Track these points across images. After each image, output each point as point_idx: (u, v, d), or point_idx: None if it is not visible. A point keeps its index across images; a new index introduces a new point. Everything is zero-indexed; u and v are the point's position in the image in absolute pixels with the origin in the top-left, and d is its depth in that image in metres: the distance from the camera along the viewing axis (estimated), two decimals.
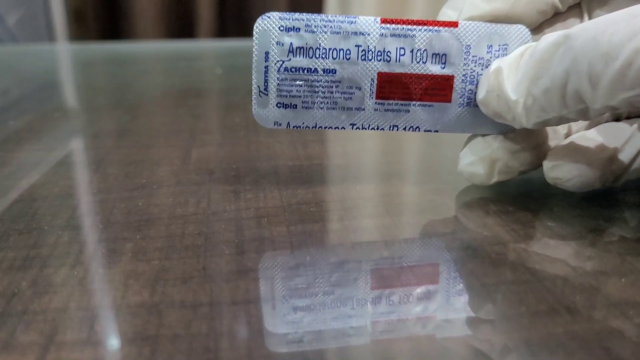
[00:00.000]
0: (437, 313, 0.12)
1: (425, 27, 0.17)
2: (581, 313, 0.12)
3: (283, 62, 0.17)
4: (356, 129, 0.18)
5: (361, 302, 0.13)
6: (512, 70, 0.16)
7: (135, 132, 0.27)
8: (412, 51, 0.17)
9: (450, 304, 0.13)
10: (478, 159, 0.18)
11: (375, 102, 0.18)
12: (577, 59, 0.14)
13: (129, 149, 0.24)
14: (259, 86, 0.18)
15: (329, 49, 0.17)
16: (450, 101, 0.18)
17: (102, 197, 0.19)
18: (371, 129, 0.18)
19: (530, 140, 0.18)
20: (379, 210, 0.18)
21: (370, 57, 0.17)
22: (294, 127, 0.18)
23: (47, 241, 0.16)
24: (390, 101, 0.18)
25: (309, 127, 0.18)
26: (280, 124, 0.18)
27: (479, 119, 0.18)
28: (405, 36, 0.17)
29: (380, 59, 0.17)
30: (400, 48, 0.17)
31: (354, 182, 0.20)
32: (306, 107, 0.18)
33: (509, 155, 0.18)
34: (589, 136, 0.18)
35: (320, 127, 0.18)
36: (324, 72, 0.17)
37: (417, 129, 0.18)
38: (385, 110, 0.18)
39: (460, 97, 0.18)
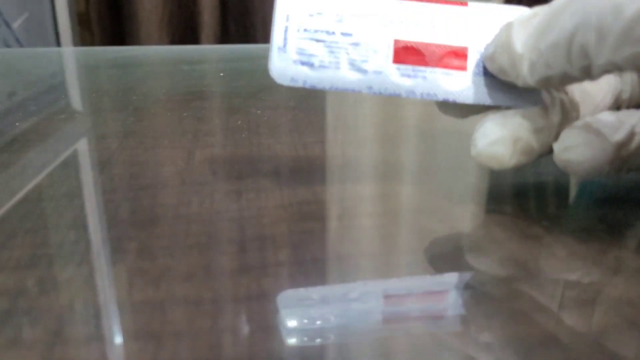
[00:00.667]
0: (432, 310, 0.13)
1: (440, 5, 0.18)
2: (577, 310, 0.12)
3: (303, 22, 0.18)
4: (373, 93, 0.19)
5: (359, 294, 0.13)
6: (523, 25, 0.16)
7: (140, 133, 0.28)
8: (429, 22, 0.18)
9: (445, 301, 0.13)
10: (499, 138, 0.17)
11: (392, 67, 0.18)
12: (588, 10, 0.14)
13: (134, 150, 0.25)
14: (278, 46, 0.18)
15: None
16: (465, 69, 0.18)
17: (108, 197, 0.19)
18: (388, 94, 0.18)
19: (547, 120, 0.17)
20: (377, 210, 0.18)
21: (387, 24, 0.18)
22: (310, 86, 0.18)
23: (53, 240, 0.16)
24: (407, 66, 0.18)
25: (325, 88, 0.18)
26: (297, 81, 0.18)
27: (495, 88, 0.18)
28: (422, 6, 0.18)
29: (398, 26, 0.18)
30: (418, 17, 0.18)
31: (353, 183, 0.21)
32: (323, 67, 0.18)
33: (530, 134, 0.17)
34: (600, 119, 0.17)
35: (337, 88, 0.18)
36: (342, 35, 0.18)
37: (435, 96, 0.18)
38: (402, 75, 0.18)
39: (476, 67, 0.18)
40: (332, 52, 0.18)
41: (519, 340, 0.12)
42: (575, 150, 0.17)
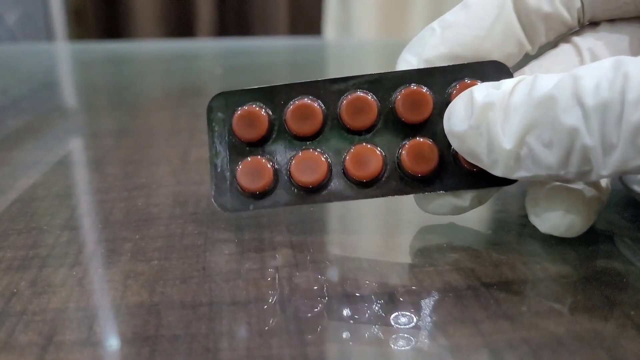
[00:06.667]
0: (436, 312, 0.12)
1: None
2: (582, 313, 0.12)
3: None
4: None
5: (360, 297, 0.13)
6: (504, 109, 0.13)
7: (134, 131, 0.28)
8: None
9: (450, 304, 0.13)
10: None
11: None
12: (586, 106, 0.12)
13: (128, 148, 0.24)
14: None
15: None
16: None
17: (102, 197, 0.19)
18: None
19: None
20: (378, 210, 0.18)
21: None
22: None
23: (46, 241, 0.16)
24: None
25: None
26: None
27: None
28: None
29: None
30: None
31: None
32: None
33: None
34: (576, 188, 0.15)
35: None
36: None
37: None
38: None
39: None
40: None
41: (524, 342, 0.11)
42: (553, 218, 0.15)
